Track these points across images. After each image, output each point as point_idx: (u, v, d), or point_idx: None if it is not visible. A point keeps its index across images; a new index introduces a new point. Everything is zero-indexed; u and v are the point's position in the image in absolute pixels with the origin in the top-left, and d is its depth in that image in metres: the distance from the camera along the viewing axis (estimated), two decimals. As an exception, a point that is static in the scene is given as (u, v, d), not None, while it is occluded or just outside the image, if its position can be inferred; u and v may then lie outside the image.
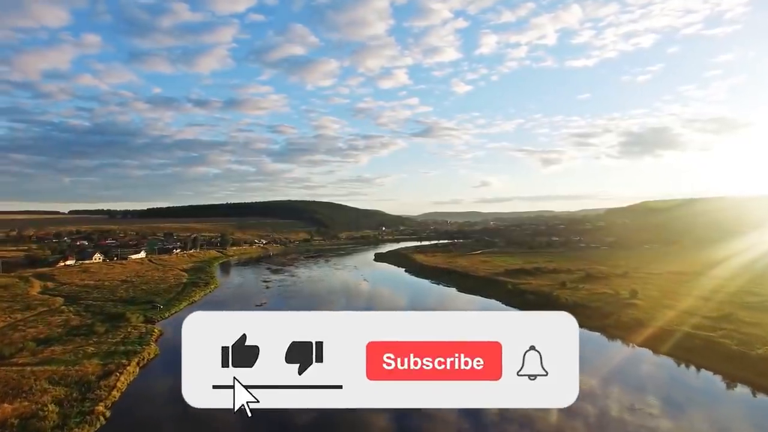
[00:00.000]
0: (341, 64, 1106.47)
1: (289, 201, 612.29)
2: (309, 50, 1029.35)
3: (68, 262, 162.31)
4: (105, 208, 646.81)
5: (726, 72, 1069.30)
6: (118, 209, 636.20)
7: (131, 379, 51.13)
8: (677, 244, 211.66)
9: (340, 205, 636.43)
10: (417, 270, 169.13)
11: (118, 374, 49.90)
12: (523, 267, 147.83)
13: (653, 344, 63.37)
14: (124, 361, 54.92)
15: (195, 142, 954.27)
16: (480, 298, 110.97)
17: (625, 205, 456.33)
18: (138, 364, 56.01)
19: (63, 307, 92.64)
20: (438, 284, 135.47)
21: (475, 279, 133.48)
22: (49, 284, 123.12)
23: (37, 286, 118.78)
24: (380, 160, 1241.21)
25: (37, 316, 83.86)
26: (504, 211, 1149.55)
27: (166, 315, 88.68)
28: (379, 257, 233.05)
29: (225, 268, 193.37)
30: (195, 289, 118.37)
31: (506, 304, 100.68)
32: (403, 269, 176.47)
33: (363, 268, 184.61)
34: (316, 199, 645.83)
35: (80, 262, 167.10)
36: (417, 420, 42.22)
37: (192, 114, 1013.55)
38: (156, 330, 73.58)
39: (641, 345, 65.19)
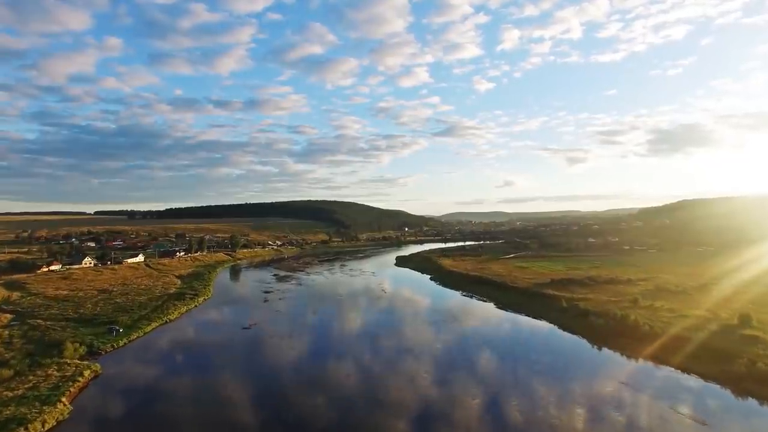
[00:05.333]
0: (360, 63, 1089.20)
1: (309, 201, 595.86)
2: (328, 49, 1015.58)
3: (53, 268, 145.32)
4: (129, 209, 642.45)
5: (766, 63, 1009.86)
6: (141, 210, 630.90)
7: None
8: (732, 246, 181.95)
9: (362, 204, 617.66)
10: (444, 277, 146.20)
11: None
12: (570, 276, 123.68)
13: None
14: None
15: (217, 143, 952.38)
16: (526, 318, 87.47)
17: (658, 204, 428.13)
18: (12, 446, 35.43)
19: (1, 330, 73.65)
20: (470, 297, 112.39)
21: (516, 291, 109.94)
22: (15, 295, 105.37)
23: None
24: (402, 160, 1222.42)
25: (-45, 344, 64.91)
26: (529, 211, 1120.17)
27: (121, 342, 68.60)
28: (400, 261, 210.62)
29: (228, 273, 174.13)
30: (177, 304, 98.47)
31: (564, 329, 77.16)
32: (428, 276, 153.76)
33: (382, 275, 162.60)
34: (339, 200, 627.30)
35: (67, 267, 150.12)
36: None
37: (213, 115, 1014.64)
38: (88, 371, 53.30)
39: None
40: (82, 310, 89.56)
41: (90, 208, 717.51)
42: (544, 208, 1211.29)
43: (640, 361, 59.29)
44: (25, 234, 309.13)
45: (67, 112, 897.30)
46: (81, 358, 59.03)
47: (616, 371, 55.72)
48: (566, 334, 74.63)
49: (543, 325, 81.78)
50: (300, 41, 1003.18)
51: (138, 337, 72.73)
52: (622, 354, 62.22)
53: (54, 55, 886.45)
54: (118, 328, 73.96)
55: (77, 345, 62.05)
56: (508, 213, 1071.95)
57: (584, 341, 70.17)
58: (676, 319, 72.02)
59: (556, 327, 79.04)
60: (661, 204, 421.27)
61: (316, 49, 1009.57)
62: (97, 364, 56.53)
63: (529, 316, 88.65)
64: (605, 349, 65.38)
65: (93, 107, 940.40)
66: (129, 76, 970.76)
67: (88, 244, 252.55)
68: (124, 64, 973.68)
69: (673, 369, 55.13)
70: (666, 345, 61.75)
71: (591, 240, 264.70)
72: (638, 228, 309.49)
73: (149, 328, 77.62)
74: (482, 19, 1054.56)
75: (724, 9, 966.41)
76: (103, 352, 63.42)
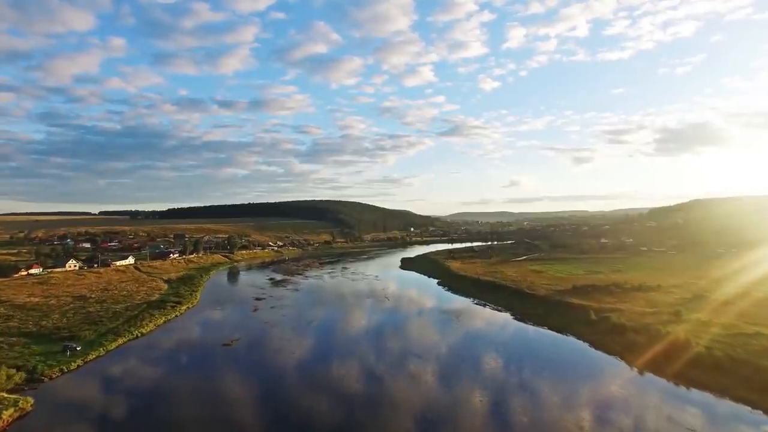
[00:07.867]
0: (365, 62, 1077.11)
1: (314, 201, 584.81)
2: (332, 48, 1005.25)
3: (32, 271, 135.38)
4: (134, 209, 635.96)
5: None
6: (146, 210, 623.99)
7: None
8: (753, 247, 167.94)
9: (366, 204, 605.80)
10: (452, 282, 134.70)
11: None
12: (592, 281, 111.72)
13: None
14: None
15: (222, 144, 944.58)
16: (550, 333, 75.93)
17: (666, 204, 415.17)
18: None
19: (-61, 347, 63.35)
20: (483, 305, 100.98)
21: (535, 300, 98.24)
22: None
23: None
24: (408, 160, 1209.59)
25: None
26: (535, 211, 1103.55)
27: (74, 365, 57.86)
28: (405, 263, 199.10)
29: (222, 276, 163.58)
30: (155, 314, 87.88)
31: (596, 346, 65.80)
32: (435, 280, 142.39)
33: (386, 278, 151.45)
34: (343, 200, 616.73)
35: (49, 270, 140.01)
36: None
37: (218, 115, 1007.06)
38: (10, 411, 42.52)
39: None
40: (44, 322, 79.15)
41: (96, 209, 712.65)
42: (551, 208, 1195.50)
43: (704, 394, 47.75)
44: (21, 234, 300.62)
45: (73, 113, 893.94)
46: (14, 388, 48.43)
47: (681, 412, 44.32)
48: (600, 354, 63.19)
49: (571, 341, 70.27)
50: (304, 40, 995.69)
51: (97, 356, 62.09)
52: (677, 384, 50.73)
53: (59, 55, 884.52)
54: (75, 345, 63.45)
55: (13, 371, 51.35)
56: (514, 213, 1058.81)
57: (623, 363, 58.89)
58: (738, 339, 60.27)
59: (586, 344, 67.52)
60: (670, 204, 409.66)
61: (320, 49, 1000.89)
62: (29, 398, 45.76)
63: (552, 329, 77.13)
64: (651, 376, 53.95)
65: (98, 108, 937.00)
66: (133, 76, 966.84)
67: (83, 245, 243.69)
68: (128, 65, 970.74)
69: (759, 412, 43.55)
70: (735, 375, 50.02)
71: (604, 241, 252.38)
72: (652, 228, 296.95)
73: (113, 345, 66.93)
74: (487, 16, 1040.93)
75: (734, 5, 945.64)
76: (46, 379, 52.69)
